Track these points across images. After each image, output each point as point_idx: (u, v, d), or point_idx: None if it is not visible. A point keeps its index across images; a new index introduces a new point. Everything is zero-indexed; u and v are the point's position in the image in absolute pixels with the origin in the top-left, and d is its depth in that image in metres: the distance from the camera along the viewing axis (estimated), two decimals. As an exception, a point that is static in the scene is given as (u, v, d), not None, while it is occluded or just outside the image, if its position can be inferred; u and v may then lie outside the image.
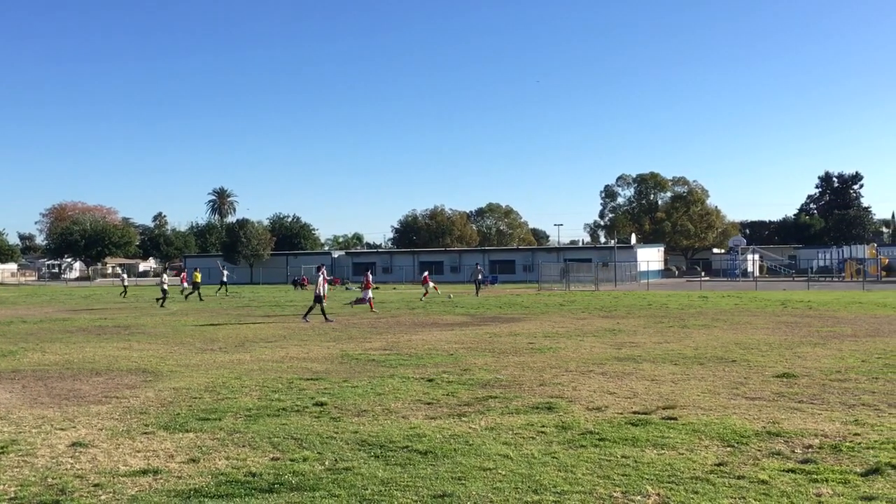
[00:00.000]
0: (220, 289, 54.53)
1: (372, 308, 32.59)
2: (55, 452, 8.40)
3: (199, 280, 46.96)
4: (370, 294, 33.69)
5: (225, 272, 57.83)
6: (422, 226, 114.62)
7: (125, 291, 53.84)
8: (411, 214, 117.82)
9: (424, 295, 42.62)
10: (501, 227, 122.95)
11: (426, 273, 45.94)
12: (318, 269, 29.23)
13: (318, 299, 27.45)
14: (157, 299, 40.19)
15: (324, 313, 27.11)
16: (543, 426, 9.39)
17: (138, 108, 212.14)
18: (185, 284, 55.46)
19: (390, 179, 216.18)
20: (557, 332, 21.73)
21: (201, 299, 44.30)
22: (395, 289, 61.66)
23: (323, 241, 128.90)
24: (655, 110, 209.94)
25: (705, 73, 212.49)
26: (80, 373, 14.58)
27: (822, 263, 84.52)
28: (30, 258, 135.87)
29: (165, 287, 40.80)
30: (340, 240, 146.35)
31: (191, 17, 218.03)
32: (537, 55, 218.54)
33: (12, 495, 6.88)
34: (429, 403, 11.03)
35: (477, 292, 48.07)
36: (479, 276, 51.49)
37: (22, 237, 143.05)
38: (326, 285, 27.57)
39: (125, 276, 59.37)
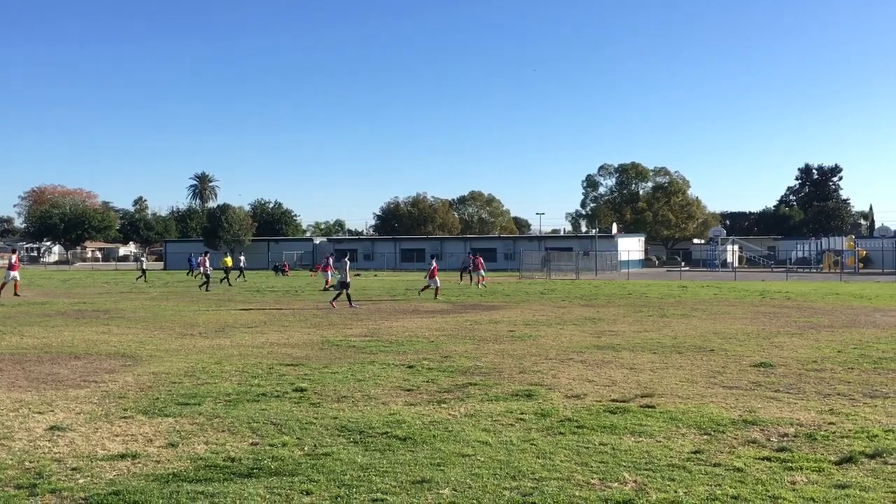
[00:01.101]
0: (239, 276, 52.75)
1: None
2: (33, 436, 8.36)
3: (229, 265, 45.40)
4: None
5: (242, 258, 57.15)
6: (404, 213, 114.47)
7: (144, 275, 51.18)
8: (393, 202, 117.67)
9: (436, 293, 33.01)
10: (483, 216, 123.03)
11: (434, 264, 35.56)
12: (345, 255, 30.31)
13: (345, 285, 27.92)
14: (201, 285, 39.57)
15: (349, 298, 27.72)
16: (522, 413, 9.44)
17: (119, 91, 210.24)
18: (202, 269, 54.60)
19: (372, 167, 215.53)
20: (538, 321, 21.81)
21: (230, 284, 43.22)
22: (375, 276, 61.62)
23: (305, 227, 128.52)
24: (638, 101, 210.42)
25: (687, 65, 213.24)
26: (59, 357, 14.49)
27: (800, 255, 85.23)
28: (8, 241, 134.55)
29: (209, 272, 40.18)
30: (322, 226, 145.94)
31: (173, 1, 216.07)
32: (521, 45, 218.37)
33: (-11, 478, 6.85)
34: (409, 390, 11.07)
35: (470, 279, 46.93)
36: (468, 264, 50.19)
37: (0, 220, 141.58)
38: (342, 271, 27.96)
39: (144, 259, 56.59)
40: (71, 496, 6.37)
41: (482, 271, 41.69)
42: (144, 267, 53.47)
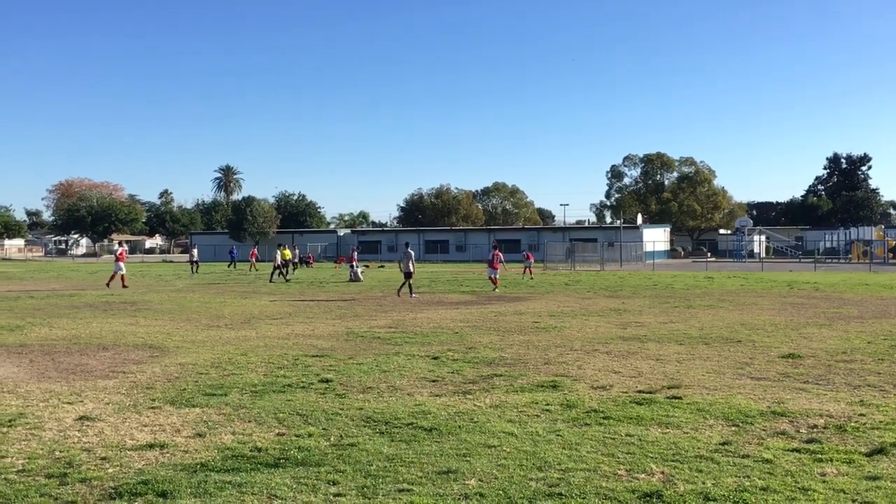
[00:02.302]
0: (294, 268, 50.78)
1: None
2: (62, 426, 8.45)
3: (288, 257, 43.21)
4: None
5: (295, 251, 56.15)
6: (427, 205, 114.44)
7: (196, 267, 50.18)
8: (417, 193, 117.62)
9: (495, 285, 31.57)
10: (507, 207, 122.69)
11: (496, 250, 33.12)
12: (407, 245, 30.90)
13: (409, 275, 28.59)
14: (280, 274, 39.46)
15: (410, 288, 28.39)
16: (548, 404, 9.41)
17: (145, 85, 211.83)
18: (254, 260, 54.36)
19: (396, 158, 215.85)
20: (562, 312, 21.74)
21: (287, 280, 39.82)
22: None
23: (328, 219, 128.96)
24: (663, 91, 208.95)
25: (714, 53, 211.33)
26: (87, 348, 14.64)
27: (828, 245, 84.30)
28: (36, 234, 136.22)
29: (279, 263, 39.72)
30: (346, 218, 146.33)
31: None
32: (545, 35, 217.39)
33: (20, 468, 6.93)
34: (434, 381, 11.07)
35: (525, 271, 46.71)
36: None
37: (29, 213, 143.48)
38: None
39: (195, 250, 54.06)
40: (100, 485, 6.43)
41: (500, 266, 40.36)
42: (196, 259, 52.59)
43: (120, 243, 37.61)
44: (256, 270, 50.96)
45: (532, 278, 41.22)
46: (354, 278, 38.84)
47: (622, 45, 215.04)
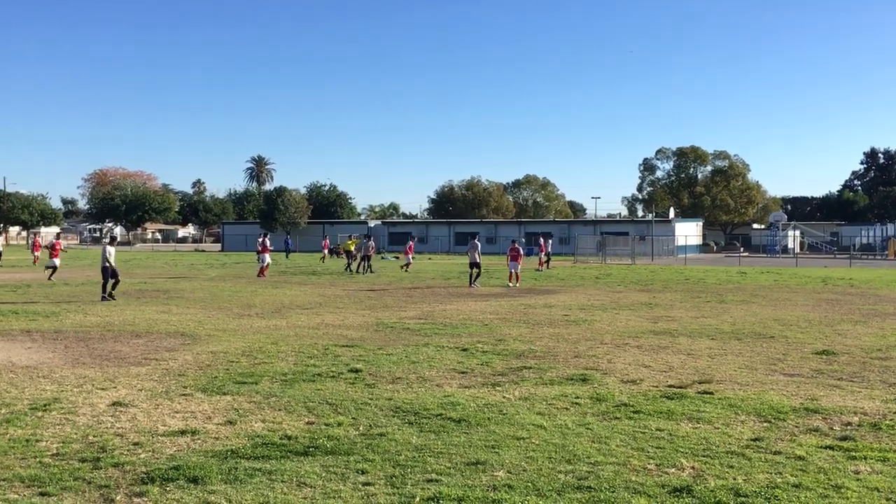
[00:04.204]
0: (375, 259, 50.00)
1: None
2: (96, 411, 8.57)
3: (351, 249, 41.28)
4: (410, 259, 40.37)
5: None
6: (458, 197, 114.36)
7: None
8: (448, 185, 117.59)
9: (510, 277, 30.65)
10: (538, 199, 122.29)
11: (543, 240, 34.87)
12: (473, 237, 31.26)
13: (474, 265, 28.91)
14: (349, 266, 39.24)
15: (471, 279, 28.73)
16: (578, 397, 9.37)
17: (180, 76, 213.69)
18: (326, 252, 54.08)
19: (427, 150, 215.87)
20: (593, 305, 21.64)
21: (352, 272, 38.18)
22: (430, 259, 61.77)
23: (359, 210, 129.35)
24: (697, 84, 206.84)
25: (748, 45, 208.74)
26: (121, 335, 14.83)
27: (864, 241, 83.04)
28: (72, 222, 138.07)
29: (357, 254, 38.80)
30: (377, 209, 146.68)
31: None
32: (581, 26, 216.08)
33: (54, 451, 7.03)
34: (463, 373, 11.07)
35: (547, 264, 46.60)
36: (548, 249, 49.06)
37: (65, 201, 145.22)
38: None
39: (262, 239, 55.22)
40: (133, 470, 6.51)
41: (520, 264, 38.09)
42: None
43: (264, 235, 37.04)
44: (323, 262, 50.73)
45: (539, 270, 40.96)
46: (406, 266, 40.62)
47: (658, 37, 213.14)
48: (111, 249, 22.78)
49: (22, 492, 6.01)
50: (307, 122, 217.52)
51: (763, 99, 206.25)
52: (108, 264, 22.19)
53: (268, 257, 34.74)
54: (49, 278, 30.01)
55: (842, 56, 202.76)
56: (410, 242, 46.53)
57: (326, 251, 54.59)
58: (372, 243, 40.52)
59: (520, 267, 30.47)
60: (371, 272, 37.62)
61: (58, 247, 33.10)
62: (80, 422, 8.11)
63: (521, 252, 31.04)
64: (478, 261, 29.09)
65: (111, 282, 22.31)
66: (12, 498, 5.87)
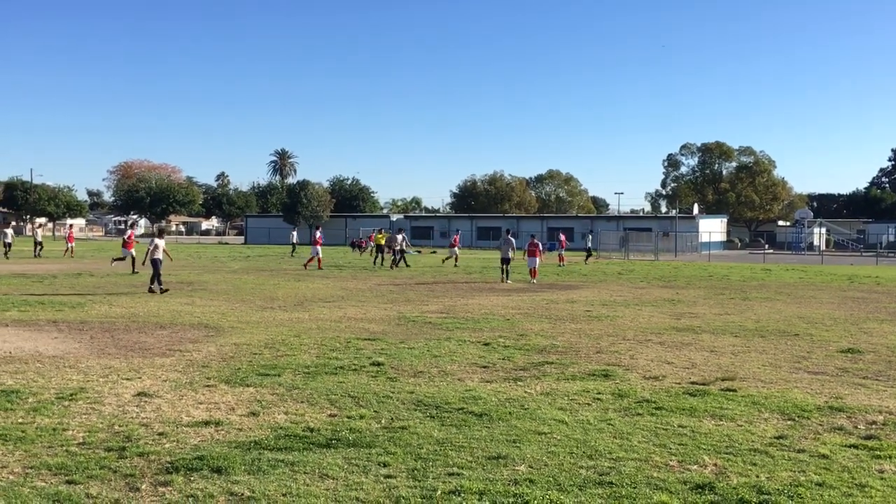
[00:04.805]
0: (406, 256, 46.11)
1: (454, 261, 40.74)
2: (121, 401, 8.66)
3: (382, 242, 40.48)
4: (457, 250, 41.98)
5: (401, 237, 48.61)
6: (480, 191, 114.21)
7: (294, 249, 50.78)
8: (470, 180, 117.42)
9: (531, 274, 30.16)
10: (561, 195, 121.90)
11: (533, 238, 31.95)
12: (508, 232, 31.09)
13: (506, 261, 29.01)
14: (380, 258, 39.41)
15: (506, 274, 28.92)
16: (599, 393, 9.35)
17: (203, 68, 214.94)
18: (373, 244, 54.12)
19: (450, 145, 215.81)
20: (615, 301, 21.56)
21: (386, 266, 37.94)
22: (433, 252, 61.66)
23: (382, 204, 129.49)
24: (722, 79, 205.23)
25: (775, 40, 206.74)
26: (145, 326, 14.96)
27: (891, 239, 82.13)
28: (97, 214, 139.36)
29: (404, 248, 38.29)
30: (399, 203, 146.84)
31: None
32: (601, 22, 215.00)
33: (81, 440, 7.12)
34: (485, 367, 11.08)
35: (586, 259, 46.64)
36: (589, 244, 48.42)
37: (90, 193, 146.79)
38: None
39: (295, 233, 54.68)
40: (157, 459, 6.58)
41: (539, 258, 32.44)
42: (295, 241, 52.76)
43: (318, 227, 37.82)
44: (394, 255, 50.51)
45: (562, 265, 41.00)
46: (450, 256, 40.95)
47: (682, 32, 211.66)
48: (160, 242, 22.68)
49: (49, 479, 6.09)
50: (330, 116, 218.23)
51: (790, 95, 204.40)
52: (157, 256, 22.07)
53: (320, 249, 36.39)
54: (134, 270, 29.20)
55: (871, 52, 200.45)
56: (455, 235, 46.72)
57: (374, 244, 53.93)
58: (404, 237, 40.01)
59: (538, 262, 30.25)
60: (406, 266, 37.75)
61: (131, 237, 32.59)
62: (106, 411, 8.21)
63: (540, 247, 30.77)
64: (510, 257, 29.01)
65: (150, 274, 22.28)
66: (40, 485, 5.95)
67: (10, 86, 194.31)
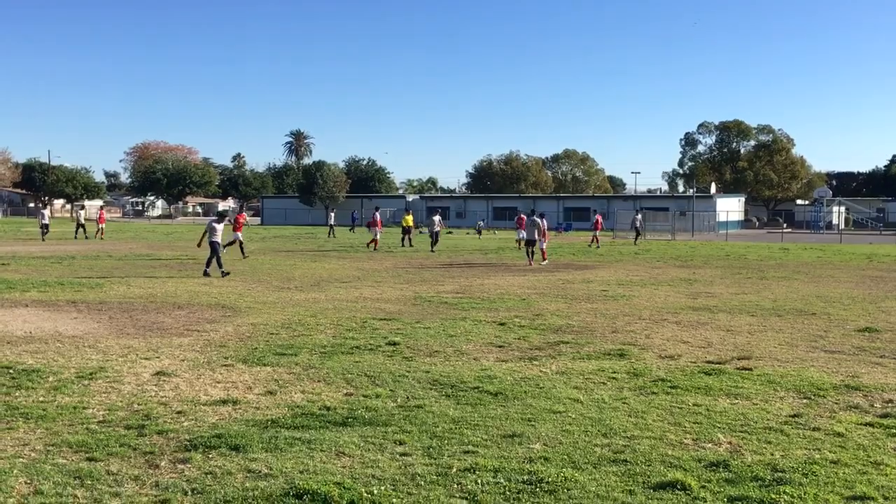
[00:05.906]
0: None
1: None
2: (140, 380, 8.76)
3: (410, 224, 40.09)
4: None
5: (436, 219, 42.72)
6: (496, 171, 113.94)
7: (332, 231, 51.90)
8: (486, 160, 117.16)
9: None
10: (577, 174, 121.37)
11: (543, 217, 30.15)
12: (538, 214, 29.97)
13: (531, 243, 28.33)
14: (408, 240, 39.00)
15: (529, 255, 28.15)
16: (615, 372, 9.37)
17: (220, 51, 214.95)
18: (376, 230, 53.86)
19: (466, 125, 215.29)
20: (631, 281, 21.52)
21: (411, 244, 38.23)
22: (467, 233, 61.75)
23: (398, 184, 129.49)
24: (740, 56, 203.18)
25: (793, 17, 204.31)
26: (163, 306, 15.08)
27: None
28: (114, 195, 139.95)
29: (437, 229, 37.01)
30: (415, 184, 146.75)
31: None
32: (618, 2, 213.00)
33: (101, 419, 7.22)
34: (500, 346, 11.11)
35: (636, 240, 46.31)
36: (638, 224, 47.72)
37: (107, 175, 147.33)
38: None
39: (333, 215, 54.69)
40: (176, 437, 6.66)
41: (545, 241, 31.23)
42: (332, 223, 53.18)
43: (242, 207, 37.27)
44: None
45: (598, 246, 40.58)
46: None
47: (701, 8, 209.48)
48: (219, 226, 22.09)
49: (70, 457, 6.18)
50: (346, 97, 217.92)
51: (809, 72, 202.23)
52: (216, 239, 21.53)
53: (378, 231, 36.96)
54: (243, 255, 28.51)
55: (891, 28, 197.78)
56: (520, 216, 39.99)
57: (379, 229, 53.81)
58: (439, 218, 38.46)
59: (545, 243, 29.52)
60: (411, 246, 37.46)
61: (241, 220, 31.48)
62: (125, 390, 8.30)
63: (545, 227, 29.85)
64: (535, 238, 27.98)
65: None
66: (61, 462, 6.04)
67: (29, 68, 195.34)
